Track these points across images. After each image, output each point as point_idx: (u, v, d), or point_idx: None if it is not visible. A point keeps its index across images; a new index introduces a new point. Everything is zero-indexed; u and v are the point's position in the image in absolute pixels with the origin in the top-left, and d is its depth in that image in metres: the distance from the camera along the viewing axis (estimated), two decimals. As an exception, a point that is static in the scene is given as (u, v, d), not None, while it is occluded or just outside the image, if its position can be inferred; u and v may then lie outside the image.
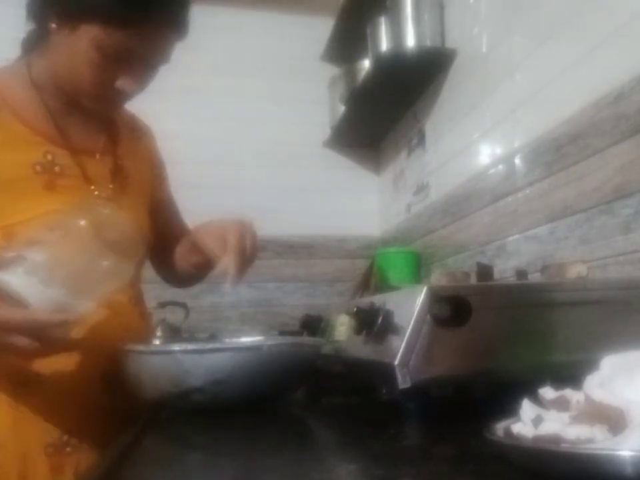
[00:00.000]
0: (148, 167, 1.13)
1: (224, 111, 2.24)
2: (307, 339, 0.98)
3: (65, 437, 0.91)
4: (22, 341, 0.74)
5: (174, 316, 1.82)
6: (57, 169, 0.95)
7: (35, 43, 1.01)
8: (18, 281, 0.77)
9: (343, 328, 0.89)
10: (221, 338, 1.06)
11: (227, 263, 0.90)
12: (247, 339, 0.94)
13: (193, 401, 0.80)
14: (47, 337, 0.76)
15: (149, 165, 1.14)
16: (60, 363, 0.88)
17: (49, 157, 0.95)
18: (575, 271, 0.84)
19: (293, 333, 1.17)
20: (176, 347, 0.80)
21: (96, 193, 0.98)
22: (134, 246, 0.89)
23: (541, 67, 1.31)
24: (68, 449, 0.91)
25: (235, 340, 0.97)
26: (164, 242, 1.14)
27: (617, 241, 1.06)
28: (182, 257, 1.14)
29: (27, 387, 0.88)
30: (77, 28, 0.89)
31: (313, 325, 1.08)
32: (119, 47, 0.89)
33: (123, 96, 0.97)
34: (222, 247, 0.92)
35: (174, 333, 1.75)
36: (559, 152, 1.24)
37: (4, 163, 0.91)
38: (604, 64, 1.11)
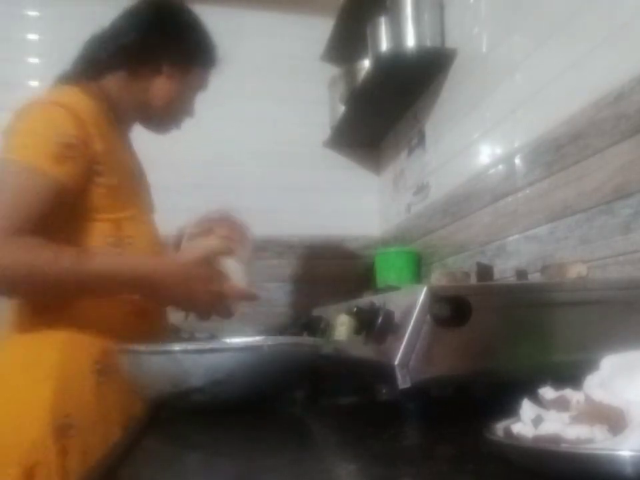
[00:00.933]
0: None
1: (224, 110, 2.24)
2: (306, 339, 0.98)
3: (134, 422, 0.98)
4: (236, 307, 1.11)
5: (174, 316, 1.81)
6: (140, 178, 1.22)
7: (112, 68, 1.18)
8: (235, 264, 1.13)
9: (343, 328, 0.89)
10: (221, 338, 1.06)
11: None
12: (247, 339, 0.94)
13: (193, 401, 0.80)
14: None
15: None
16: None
17: (137, 166, 1.23)
18: (575, 271, 0.84)
19: (292, 333, 1.16)
20: (176, 347, 0.80)
21: (149, 202, 1.27)
22: None
23: (541, 67, 1.31)
24: None
25: (234, 340, 0.97)
26: None
27: (617, 241, 1.06)
28: None
29: (106, 376, 1.02)
30: (188, 73, 1.22)
31: (313, 325, 1.08)
32: (204, 84, 1.28)
33: (183, 121, 1.29)
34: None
35: (174, 333, 1.74)
36: (559, 152, 1.24)
37: (120, 165, 1.12)
38: (604, 64, 1.11)
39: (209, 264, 1.07)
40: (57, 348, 1.01)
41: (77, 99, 1.08)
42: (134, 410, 0.98)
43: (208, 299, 1.07)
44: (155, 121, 1.24)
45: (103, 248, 1.06)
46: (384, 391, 0.95)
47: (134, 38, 1.17)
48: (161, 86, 1.20)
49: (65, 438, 0.95)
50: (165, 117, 1.23)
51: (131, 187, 1.15)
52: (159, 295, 1.05)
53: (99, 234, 1.07)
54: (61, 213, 1.01)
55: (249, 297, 1.13)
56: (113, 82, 1.17)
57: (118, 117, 1.17)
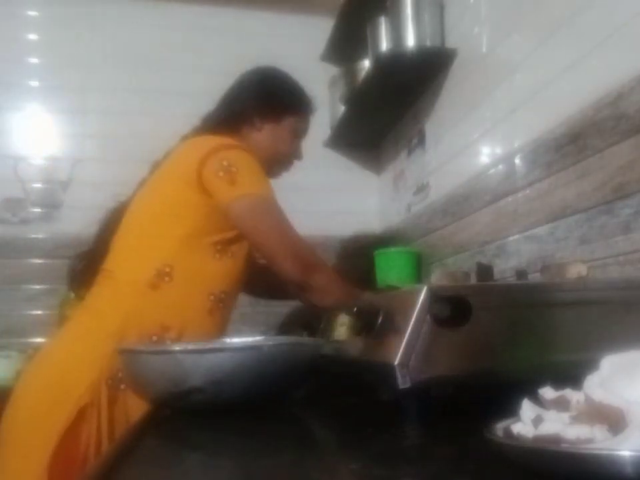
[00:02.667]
0: None
1: (224, 110, 2.24)
2: (307, 339, 0.98)
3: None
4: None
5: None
6: None
7: (226, 128, 1.33)
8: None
9: (342, 328, 0.89)
10: (221, 338, 1.07)
11: None
12: (247, 339, 0.94)
13: (193, 401, 0.80)
14: None
15: None
16: (184, 333, 1.17)
17: None
18: (575, 271, 0.84)
19: (292, 333, 1.17)
20: (176, 347, 0.81)
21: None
22: None
23: (541, 67, 1.31)
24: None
25: (234, 340, 0.97)
26: None
27: (617, 241, 1.06)
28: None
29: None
30: (280, 122, 1.39)
31: (313, 325, 1.08)
32: (304, 129, 1.45)
33: (292, 164, 1.46)
34: None
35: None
36: (559, 152, 1.24)
37: None
38: (604, 64, 1.11)
39: None
40: (124, 314, 1.15)
41: (238, 146, 1.26)
42: None
43: None
44: (269, 169, 1.35)
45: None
46: (384, 391, 0.95)
47: (241, 104, 1.38)
48: (259, 138, 1.37)
49: (115, 389, 1.08)
50: (271, 164, 1.36)
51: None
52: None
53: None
54: None
55: None
56: (233, 137, 1.32)
57: None
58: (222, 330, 1.27)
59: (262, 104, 1.38)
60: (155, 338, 1.14)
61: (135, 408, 1.03)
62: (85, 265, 1.31)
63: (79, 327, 1.21)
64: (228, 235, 1.22)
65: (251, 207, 1.21)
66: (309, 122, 1.46)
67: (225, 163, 1.19)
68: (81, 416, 1.06)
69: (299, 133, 1.43)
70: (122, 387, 1.08)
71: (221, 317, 1.26)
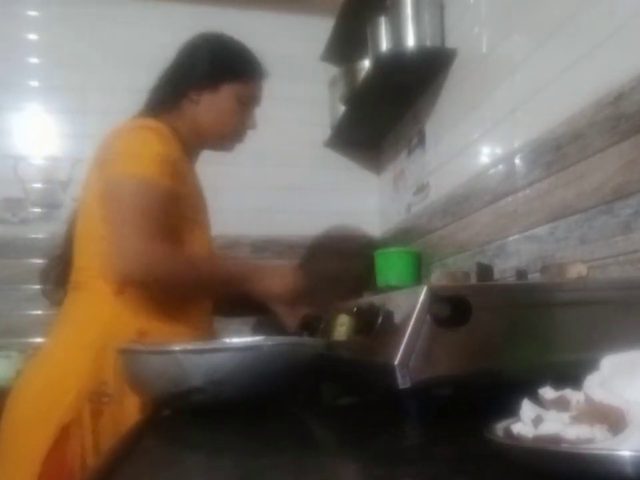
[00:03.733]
0: None
1: (224, 111, 2.24)
2: (306, 339, 0.98)
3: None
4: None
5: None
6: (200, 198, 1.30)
7: (167, 107, 1.28)
8: None
9: (342, 328, 0.89)
10: (221, 338, 1.07)
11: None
12: (246, 339, 0.94)
13: (193, 401, 0.80)
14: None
15: None
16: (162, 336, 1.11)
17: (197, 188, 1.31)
18: (575, 271, 0.84)
19: (292, 333, 1.17)
20: (176, 347, 0.80)
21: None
22: None
23: (541, 67, 1.31)
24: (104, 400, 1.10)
25: (234, 340, 0.97)
26: None
27: (617, 241, 1.06)
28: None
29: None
30: (218, 91, 1.27)
31: (313, 325, 1.08)
32: (250, 95, 1.32)
33: (245, 135, 1.36)
34: (293, 319, 1.21)
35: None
36: (559, 152, 1.24)
37: (188, 186, 1.23)
38: (604, 64, 1.11)
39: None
40: (100, 324, 1.13)
41: (160, 125, 1.21)
42: None
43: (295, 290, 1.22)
44: (211, 143, 1.33)
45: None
46: (384, 391, 0.95)
47: (175, 78, 1.30)
48: (198, 112, 1.28)
49: (99, 403, 1.06)
50: (218, 137, 1.32)
51: (198, 206, 1.28)
52: (259, 287, 1.20)
53: (196, 242, 1.22)
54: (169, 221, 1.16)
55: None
56: (172, 115, 1.28)
57: (184, 145, 1.28)
58: (204, 325, 1.23)
59: (194, 75, 1.28)
60: None
61: (126, 418, 1.03)
62: (55, 270, 1.28)
63: (60, 341, 1.18)
64: (171, 222, 1.15)
65: (113, 189, 1.13)
66: (257, 87, 1.34)
67: (108, 149, 1.16)
68: (64, 435, 1.04)
69: (245, 100, 1.31)
70: (105, 399, 1.07)
71: (198, 311, 1.22)
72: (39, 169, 2.25)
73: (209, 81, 1.27)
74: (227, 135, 1.33)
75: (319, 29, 2.25)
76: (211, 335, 1.23)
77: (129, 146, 1.15)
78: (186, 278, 1.15)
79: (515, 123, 1.43)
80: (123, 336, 1.08)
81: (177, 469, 0.57)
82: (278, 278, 1.23)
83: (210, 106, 1.28)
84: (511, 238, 1.43)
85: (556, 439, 0.38)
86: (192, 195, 1.25)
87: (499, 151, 1.50)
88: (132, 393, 1.05)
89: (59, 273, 1.26)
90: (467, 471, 0.48)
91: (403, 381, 0.66)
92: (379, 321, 0.73)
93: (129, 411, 1.06)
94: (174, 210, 1.15)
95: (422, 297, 0.68)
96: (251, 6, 2.30)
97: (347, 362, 0.86)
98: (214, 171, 2.30)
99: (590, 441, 0.38)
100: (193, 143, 1.31)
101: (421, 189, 2.00)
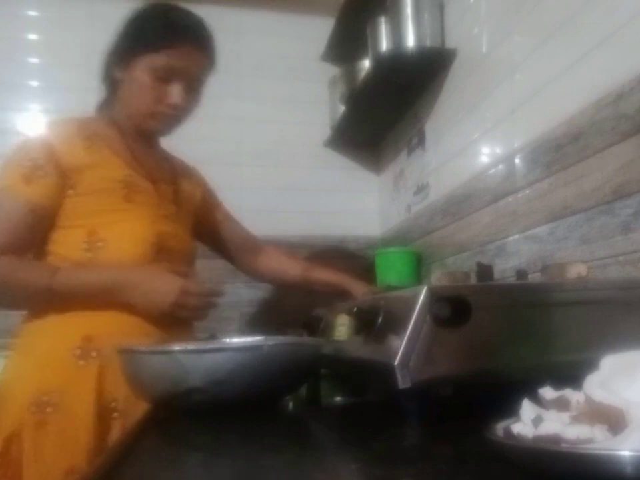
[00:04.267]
0: (197, 198, 1.43)
1: (224, 110, 2.24)
2: (307, 339, 0.98)
3: (114, 404, 1.08)
4: (195, 300, 1.11)
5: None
6: (135, 187, 1.21)
7: (110, 99, 1.27)
8: None
9: (343, 328, 0.89)
10: (221, 338, 1.07)
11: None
12: (246, 339, 0.94)
13: (193, 400, 0.80)
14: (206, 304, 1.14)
15: (199, 196, 1.45)
16: (111, 341, 1.05)
17: (130, 178, 1.21)
18: (575, 271, 0.84)
19: (292, 333, 1.17)
20: (176, 347, 0.80)
21: (163, 208, 1.26)
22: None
23: (541, 67, 1.31)
24: (115, 414, 1.08)
25: (234, 340, 0.97)
26: (237, 251, 1.56)
27: (617, 241, 1.06)
28: (281, 271, 1.58)
29: (86, 360, 1.09)
30: (131, 64, 1.17)
31: (313, 325, 1.08)
32: (165, 66, 1.16)
33: (175, 112, 1.21)
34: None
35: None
36: (559, 152, 1.24)
37: (97, 177, 1.17)
38: (604, 64, 1.11)
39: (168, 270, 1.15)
40: (43, 334, 1.12)
41: (58, 122, 1.22)
42: (117, 394, 1.08)
43: (171, 294, 1.10)
44: (140, 125, 1.24)
45: (77, 253, 1.15)
46: (384, 391, 0.95)
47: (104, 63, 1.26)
48: (120, 95, 1.23)
49: (42, 414, 1.04)
50: (142, 119, 1.22)
51: (119, 194, 1.19)
52: (126, 295, 1.11)
53: (75, 240, 1.15)
54: (40, 227, 1.14)
55: (213, 293, 1.17)
56: (112, 105, 1.26)
57: (129, 135, 1.25)
58: (165, 326, 1.14)
59: (114, 53, 1.22)
60: (78, 352, 1.09)
61: (75, 430, 1.04)
62: None
63: (15, 349, 1.16)
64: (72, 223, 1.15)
65: None
66: (174, 56, 1.16)
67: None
68: (6, 446, 1.03)
69: (161, 73, 1.16)
70: (48, 409, 1.04)
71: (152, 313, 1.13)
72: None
73: (123, 56, 1.19)
74: (144, 113, 1.20)
75: (319, 29, 2.25)
76: (178, 335, 1.12)
77: (5, 159, 1.15)
78: (21, 292, 1.11)
79: (515, 123, 1.43)
80: (68, 343, 1.10)
81: (177, 469, 0.57)
82: (159, 286, 1.11)
83: (129, 84, 1.19)
84: (510, 238, 1.43)
85: (556, 439, 0.38)
86: (104, 188, 1.17)
87: (499, 150, 1.50)
88: (80, 402, 1.06)
89: None
90: (467, 471, 0.48)
91: (403, 381, 0.66)
92: (379, 321, 0.73)
93: (79, 421, 1.05)
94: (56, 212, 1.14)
95: (422, 297, 0.68)
96: (251, 6, 2.30)
97: (347, 362, 0.86)
98: (214, 171, 2.30)
99: (590, 440, 0.38)
100: (131, 129, 1.25)
101: (421, 188, 2.00)
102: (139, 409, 1.02)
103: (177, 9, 1.20)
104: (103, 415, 1.07)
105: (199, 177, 1.51)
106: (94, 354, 1.10)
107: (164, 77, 1.17)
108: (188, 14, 1.20)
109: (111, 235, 1.16)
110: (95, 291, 1.11)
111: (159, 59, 1.15)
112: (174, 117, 1.23)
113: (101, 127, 1.24)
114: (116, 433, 1.06)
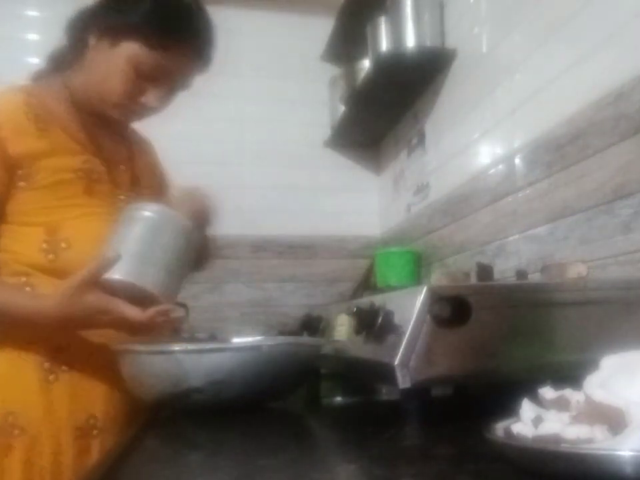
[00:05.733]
0: (154, 177, 1.24)
1: (224, 110, 2.24)
2: (306, 339, 0.98)
3: (92, 421, 0.99)
4: (132, 311, 0.89)
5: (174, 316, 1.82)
6: (94, 175, 1.06)
7: (69, 59, 1.09)
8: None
9: (343, 328, 0.89)
10: (221, 338, 1.07)
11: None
12: (246, 339, 0.94)
13: (193, 400, 0.80)
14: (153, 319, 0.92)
15: (155, 174, 1.24)
16: (84, 352, 0.99)
17: (88, 164, 1.05)
18: (575, 271, 0.84)
19: (292, 333, 1.17)
20: (176, 347, 0.80)
21: (122, 198, 1.09)
22: None
23: (541, 67, 1.31)
24: (94, 432, 0.99)
25: (234, 340, 0.97)
26: None
27: (617, 241, 1.06)
28: None
29: (56, 374, 0.98)
30: (117, 43, 1.00)
31: (313, 325, 1.08)
32: (153, 66, 1.00)
33: (144, 111, 1.07)
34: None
35: (174, 333, 1.75)
36: (559, 152, 1.24)
37: (52, 167, 1.01)
38: (604, 64, 1.11)
39: (90, 291, 0.92)
40: (5, 345, 0.99)
41: (13, 94, 1.02)
42: (92, 409, 0.99)
43: (115, 322, 0.94)
44: (95, 105, 1.06)
45: (36, 255, 1.00)
46: (384, 391, 0.95)
47: (82, 19, 1.07)
48: (88, 59, 1.03)
49: (9, 436, 0.94)
50: (100, 102, 1.05)
51: (78, 186, 1.03)
52: (63, 326, 0.97)
53: (32, 239, 1.00)
54: None
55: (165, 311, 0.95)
56: (73, 69, 1.08)
57: (84, 109, 1.07)
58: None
59: (98, 14, 1.03)
60: (47, 365, 0.98)
61: (40, 455, 0.94)
62: None
63: None
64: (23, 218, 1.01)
65: None
66: (166, 59, 1.01)
67: None
68: None
69: (145, 70, 1.00)
70: (16, 432, 0.94)
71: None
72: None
73: (110, 25, 1.01)
74: (110, 101, 1.04)
75: (319, 29, 2.25)
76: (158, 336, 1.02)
77: None
78: None
79: (515, 123, 1.43)
80: (35, 356, 0.98)
81: (177, 468, 0.57)
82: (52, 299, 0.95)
83: (102, 62, 1.02)
84: (510, 238, 1.43)
85: (556, 439, 0.38)
86: (64, 178, 1.02)
87: (499, 150, 1.50)
88: (51, 420, 0.96)
89: None
90: (467, 471, 0.48)
91: (403, 381, 0.66)
92: (379, 321, 0.73)
93: (48, 440, 0.95)
94: (7, 206, 0.99)
95: (422, 297, 0.68)
96: (251, 6, 2.30)
97: (347, 362, 0.86)
98: (214, 171, 2.30)
99: (590, 440, 0.38)
100: (86, 105, 1.07)
101: (421, 189, 2.00)
102: (119, 424, 0.99)
103: (194, 2, 1.04)
104: (80, 434, 0.98)
105: (153, 154, 1.28)
106: (64, 367, 0.98)
107: (147, 75, 1.01)
108: (201, 12, 1.05)
109: (74, 234, 1.02)
110: (18, 319, 0.96)
111: (150, 57, 1.00)
112: (141, 114, 1.09)
113: (50, 100, 1.05)
114: (97, 452, 0.97)
